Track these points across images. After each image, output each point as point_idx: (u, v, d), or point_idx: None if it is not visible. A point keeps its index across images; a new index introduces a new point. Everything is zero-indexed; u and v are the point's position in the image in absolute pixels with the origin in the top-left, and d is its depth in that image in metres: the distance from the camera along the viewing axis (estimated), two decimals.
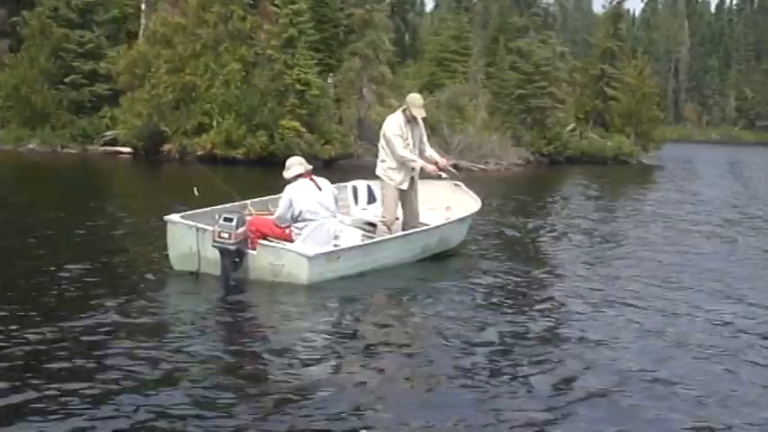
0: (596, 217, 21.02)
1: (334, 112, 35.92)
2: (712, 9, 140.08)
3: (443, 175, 13.30)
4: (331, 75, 36.96)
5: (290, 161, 11.33)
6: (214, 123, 32.38)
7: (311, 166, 11.39)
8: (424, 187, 13.28)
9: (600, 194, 29.47)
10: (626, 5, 61.95)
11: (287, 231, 10.81)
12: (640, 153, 52.16)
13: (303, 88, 33.07)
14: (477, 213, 13.86)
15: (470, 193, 14.16)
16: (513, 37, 48.53)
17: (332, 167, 30.40)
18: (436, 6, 70.12)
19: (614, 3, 56.01)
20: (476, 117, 42.17)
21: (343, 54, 38.02)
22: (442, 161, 13.10)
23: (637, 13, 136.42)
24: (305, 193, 10.91)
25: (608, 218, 20.90)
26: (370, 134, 35.58)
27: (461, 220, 13.33)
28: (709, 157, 66.72)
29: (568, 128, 49.28)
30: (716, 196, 27.91)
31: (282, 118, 32.70)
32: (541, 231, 17.38)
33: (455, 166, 13.37)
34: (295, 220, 10.83)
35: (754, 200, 27.48)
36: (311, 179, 11.10)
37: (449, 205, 14.07)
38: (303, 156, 30.64)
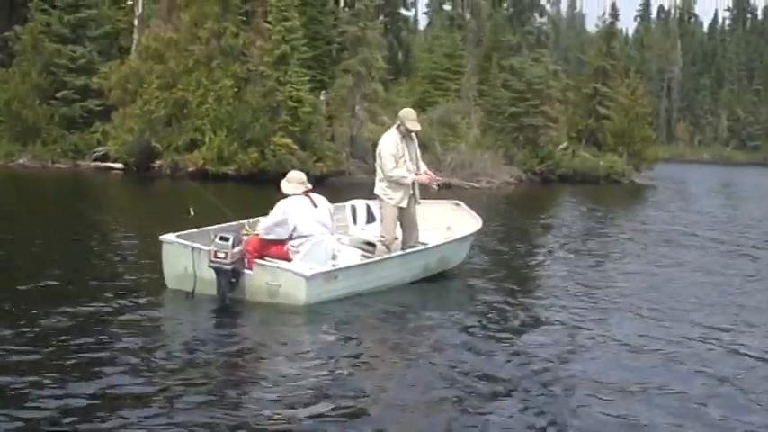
0: (589, 237, 20.92)
1: (327, 129, 35.92)
2: (705, 29, 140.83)
3: (434, 186, 13.25)
4: (323, 92, 36.97)
5: (291, 175, 11.21)
6: (206, 139, 32.34)
7: (310, 186, 11.22)
8: (424, 207, 13.12)
9: (592, 214, 29.37)
10: (619, 25, 61.99)
11: (284, 249, 10.65)
12: (632, 172, 52.20)
13: (295, 105, 33.06)
14: (479, 233, 13.67)
15: (471, 212, 13.97)
16: (505, 55, 48.54)
17: (324, 185, 30.22)
18: (429, 24, 70.09)
19: (607, 22, 56.38)
20: (468, 135, 42.20)
21: (335, 71, 38.07)
22: (435, 178, 13.04)
23: (630, 33, 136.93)
24: (300, 209, 10.77)
25: (601, 238, 20.77)
26: (362, 151, 35.65)
27: (462, 239, 13.13)
28: (702, 177, 66.85)
29: (561, 146, 49.27)
30: (708, 218, 27.82)
31: (274, 135, 32.69)
32: (536, 251, 17.30)
33: (447, 184, 13.23)
34: (290, 237, 10.67)
35: (746, 222, 27.38)
36: (307, 195, 10.95)
37: (449, 225, 13.84)
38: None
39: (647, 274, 14.30)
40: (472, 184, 37.41)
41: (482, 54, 50.34)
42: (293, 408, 6.69)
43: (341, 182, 32.59)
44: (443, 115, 40.53)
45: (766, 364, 8.77)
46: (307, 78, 34.47)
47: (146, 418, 6.21)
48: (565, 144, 49.98)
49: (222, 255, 9.71)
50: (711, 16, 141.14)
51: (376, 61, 37.80)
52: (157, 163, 32.72)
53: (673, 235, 21.30)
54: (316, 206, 10.90)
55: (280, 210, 10.70)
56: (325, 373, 7.76)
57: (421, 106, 39.97)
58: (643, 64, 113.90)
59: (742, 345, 9.51)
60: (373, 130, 35.89)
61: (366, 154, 35.38)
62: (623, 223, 25.55)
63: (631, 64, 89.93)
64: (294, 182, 11.00)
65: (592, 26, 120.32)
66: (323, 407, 6.74)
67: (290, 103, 32.96)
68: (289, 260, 10.48)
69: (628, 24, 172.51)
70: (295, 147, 33.01)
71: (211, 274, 9.85)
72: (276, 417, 6.48)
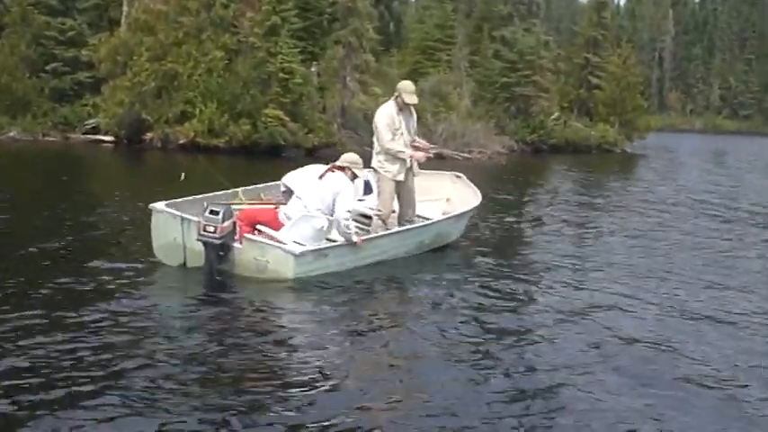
0: (582, 207, 20.98)
1: (318, 100, 35.77)
2: None
3: (430, 154, 13.10)
4: (314, 63, 36.79)
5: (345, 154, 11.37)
6: (196, 111, 32.20)
7: (347, 165, 11.03)
8: (424, 177, 13.06)
9: (585, 184, 29.42)
10: None
11: (275, 215, 10.60)
12: (624, 142, 52.28)
13: (286, 76, 32.91)
14: (477, 208, 13.55)
15: (471, 185, 13.87)
16: (497, 25, 48.40)
17: (315, 156, 30.27)
18: None
19: None
20: (460, 105, 42.09)
21: (326, 42, 37.86)
22: (426, 145, 12.91)
23: (621, 3, 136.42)
24: (305, 172, 10.92)
25: (595, 208, 20.81)
26: (353, 123, 35.58)
27: (459, 215, 12.97)
28: (694, 145, 66.93)
29: (552, 116, 49.20)
30: (700, 187, 27.88)
31: (265, 106, 32.57)
32: (532, 223, 17.23)
33: (438, 155, 13.07)
34: (285, 193, 10.81)
35: (739, 190, 27.47)
36: (333, 170, 10.91)
37: (449, 197, 13.82)
38: (287, 144, 30.63)
39: (647, 246, 14.26)
40: (464, 154, 37.38)
41: (473, 25, 50.14)
42: (278, 384, 6.65)
43: (332, 153, 32.35)
44: (435, 86, 40.43)
45: None
46: (297, 50, 34.32)
47: (125, 396, 6.15)
48: (556, 114, 49.92)
49: (211, 229, 9.53)
50: None
51: (367, 32, 37.62)
52: (148, 135, 32.58)
53: (665, 204, 21.36)
54: (320, 178, 10.77)
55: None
56: (305, 346, 7.77)
57: (412, 77, 39.62)
58: (635, 34, 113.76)
59: (740, 313, 9.60)
60: (365, 102, 35.88)
61: (357, 125, 35.30)
62: (618, 193, 25.55)
63: (623, 34, 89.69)
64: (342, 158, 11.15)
65: None
66: (308, 384, 6.71)
67: (281, 74, 32.79)
68: (278, 227, 10.40)
69: None
70: (286, 118, 32.91)
71: (201, 247, 9.71)
72: (262, 391, 6.45)
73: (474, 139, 39.71)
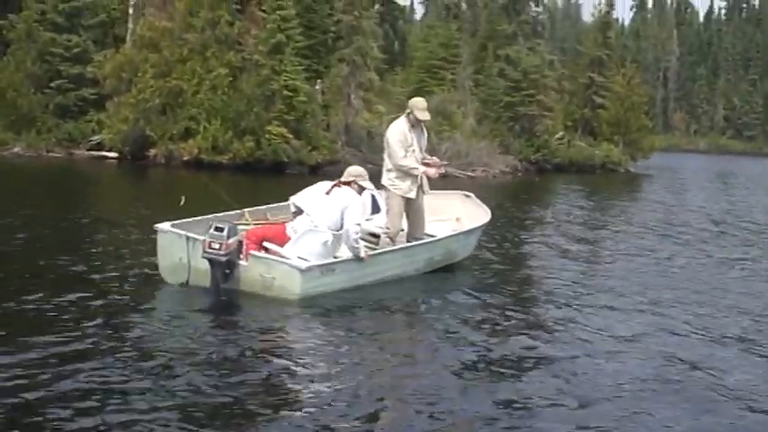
0: (588, 228, 20.78)
1: (322, 118, 35.81)
2: (701, 19, 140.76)
3: (442, 170, 12.84)
4: (319, 81, 36.85)
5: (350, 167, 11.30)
6: (200, 128, 32.27)
7: (352, 179, 10.91)
8: (434, 197, 12.89)
9: (589, 204, 29.30)
10: (615, 14, 61.99)
11: (284, 232, 10.48)
12: (628, 162, 52.26)
13: (290, 94, 32.98)
14: (487, 226, 13.38)
15: (481, 204, 13.70)
16: (501, 44, 48.49)
17: (318, 173, 30.28)
18: (425, 14, 70.04)
19: (603, 12, 56.18)
20: (464, 124, 42.16)
21: (330, 60, 37.94)
22: (437, 162, 12.68)
23: (626, 23, 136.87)
24: (313, 189, 10.78)
25: (597, 229, 20.67)
26: (357, 140, 35.62)
27: (468, 232, 12.79)
28: (698, 166, 66.85)
29: (556, 136, 49.22)
30: (705, 208, 27.78)
31: (269, 123, 32.63)
32: (536, 243, 17.09)
33: (443, 174, 12.89)
34: (295, 213, 10.66)
35: (743, 212, 27.41)
36: (339, 185, 10.81)
37: (459, 216, 13.63)
38: (290, 162, 30.65)
39: (653, 270, 13.99)
40: (468, 173, 37.39)
41: (478, 43, 50.27)
42: (281, 401, 6.60)
43: (336, 170, 32.21)
44: (439, 105, 40.41)
45: None
46: (302, 67, 34.41)
47: (129, 412, 6.08)
48: (561, 133, 49.94)
49: (217, 246, 9.40)
50: (707, 6, 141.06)
51: (371, 50, 37.73)
52: (152, 152, 32.67)
53: (670, 226, 21.29)
54: (327, 194, 10.66)
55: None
56: (312, 365, 7.65)
57: (417, 96, 39.72)
58: (639, 53, 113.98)
59: (740, 335, 9.53)
60: (368, 119, 35.96)
61: (361, 143, 35.38)
62: (624, 214, 25.32)
63: (627, 54, 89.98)
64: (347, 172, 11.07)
65: (588, 16, 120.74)
66: (307, 398, 6.69)
67: (286, 92, 32.88)
68: (286, 243, 10.29)
69: (624, 14, 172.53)
70: (290, 136, 32.98)
71: (206, 265, 9.58)
72: (264, 412, 6.37)
73: (478, 158, 39.76)
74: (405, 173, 11.88)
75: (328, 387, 6.98)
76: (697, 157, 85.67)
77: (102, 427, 5.83)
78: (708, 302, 11.21)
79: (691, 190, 38.77)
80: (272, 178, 30.19)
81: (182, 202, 12.08)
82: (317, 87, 36.49)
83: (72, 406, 6.13)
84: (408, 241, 12.03)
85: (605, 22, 56.08)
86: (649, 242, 17.73)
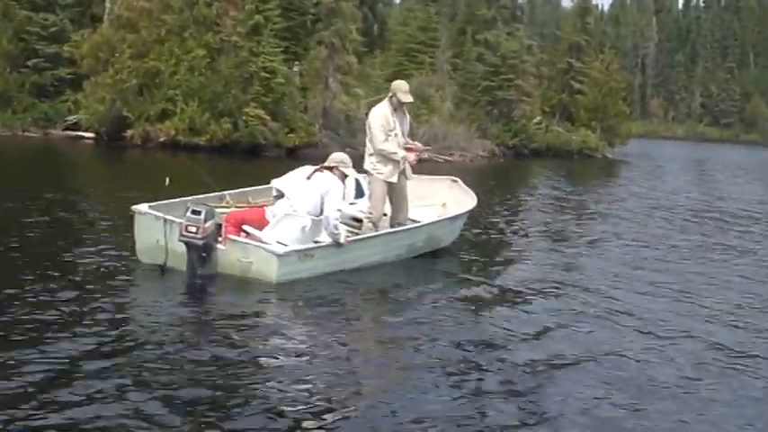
0: (563, 212, 20.91)
1: (300, 100, 35.72)
2: (680, 6, 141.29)
3: (424, 155, 12.76)
4: (297, 63, 36.73)
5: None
6: (178, 110, 32.13)
7: (335, 164, 10.82)
8: (420, 183, 12.87)
9: (568, 189, 29.32)
10: (594, 0, 62.08)
11: (263, 215, 10.41)
12: (606, 148, 52.48)
13: (268, 76, 32.88)
14: (471, 212, 13.27)
15: (468, 190, 13.60)
16: (480, 29, 48.51)
17: (295, 156, 30.27)
18: None
19: None
20: (442, 108, 42.13)
21: (309, 43, 37.78)
22: (420, 147, 12.54)
23: (605, 9, 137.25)
24: (295, 174, 10.71)
25: (577, 213, 20.75)
26: (334, 123, 35.57)
27: (452, 218, 12.66)
28: (675, 153, 67.14)
29: (534, 121, 49.35)
30: (681, 195, 27.97)
31: (247, 105, 32.52)
32: (518, 228, 17.09)
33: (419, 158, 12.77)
34: (275, 198, 10.60)
35: (718, 198, 27.63)
36: (321, 170, 10.72)
37: (445, 202, 13.55)
38: (267, 144, 30.60)
39: (644, 255, 14.16)
40: (445, 157, 37.41)
41: (457, 28, 50.26)
42: (250, 389, 6.49)
43: (313, 153, 32.36)
44: (417, 88, 40.34)
45: None
46: (280, 49, 34.27)
47: (101, 400, 5.96)
48: (538, 118, 50.09)
49: (193, 229, 9.30)
50: None
51: (350, 33, 37.59)
52: (129, 132, 32.47)
53: (646, 211, 21.43)
54: (308, 179, 10.58)
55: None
56: (286, 350, 7.55)
57: (395, 79, 39.62)
58: (618, 40, 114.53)
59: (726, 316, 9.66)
60: (346, 103, 35.89)
61: (339, 126, 35.33)
62: (604, 199, 25.43)
63: (606, 40, 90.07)
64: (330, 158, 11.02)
65: (567, 2, 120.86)
66: (281, 382, 6.63)
67: (263, 74, 32.76)
68: (265, 227, 10.23)
69: (603, 0, 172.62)
70: (267, 118, 32.88)
71: (183, 248, 9.49)
72: (243, 401, 6.26)
73: (455, 142, 39.80)
74: (386, 157, 11.79)
75: (299, 375, 6.88)
76: (674, 145, 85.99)
77: (65, 411, 5.76)
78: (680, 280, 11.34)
79: (665, 177, 38.93)
80: (249, 160, 30.12)
81: (166, 183, 12.01)
82: (296, 69, 36.35)
83: (36, 392, 6.03)
84: (391, 226, 11.91)
85: (584, 7, 56.29)
86: (633, 226, 17.94)
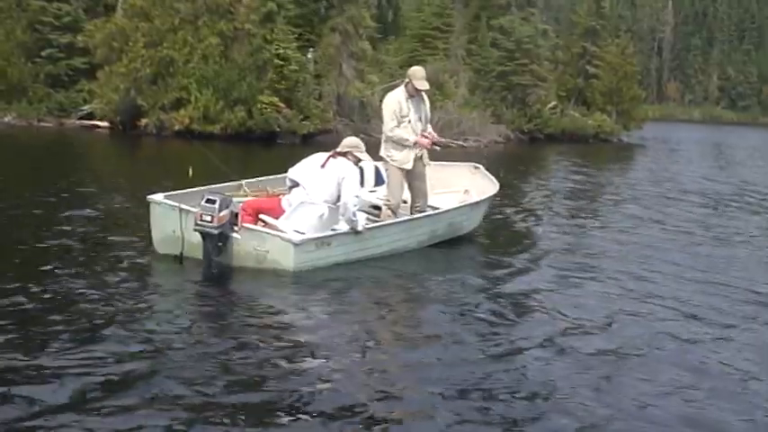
0: (586, 197, 20.87)
1: (314, 87, 35.66)
2: None
3: (438, 148, 12.41)
4: (311, 50, 36.66)
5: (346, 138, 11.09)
6: (192, 98, 32.10)
7: (348, 149, 10.68)
8: (442, 169, 12.79)
9: (583, 173, 29.24)
10: None
11: (279, 204, 10.34)
12: (621, 131, 52.30)
13: (282, 63, 32.83)
14: (494, 198, 13.18)
15: (490, 176, 13.48)
16: (495, 14, 48.30)
17: (310, 143, 30.20)
18: None
19: None
20: (456, 94, 42.02)
21: (323, 29, 37.68)
22: (436, 137, 12.33)
23: None
24: (308, 162, 10.59)
25: (594, 199, 20.72)
26: (349, 110, 35.52)
27: (474, 204, 12.53)
28: (691, 136, 66.78)
29: (549, 105, 49.18)
30: (697, 179, 27.82)
31: (261, 93, 32.48)
32: (535, 213, 16.96)
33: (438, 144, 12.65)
34: (290, 188, 10.51)
35: (735, 182, 27.47)
36: (335, 156, 10.59)
37: (467, 188, 13.36)
38: (282, 131, 30.53)
39: (655, 240, 14.03)
40: (459, 142, 37.25)
41: (471, 13, 50.04)
42: (273, 379, 6.43)
43: (328, 140, 32.33)
44: (431, 74, 40.21)
45: None
46: (294, 36, 34.23)
47: (124, 391, 5.93)
48: (553, 103, 49.91)
49: (208, 218, 9.27)
50: None
51: (364, 19, 37.51)
52: (143, 121, 32.49)
53: (665, 195, 21.31)
54: (322, 167, 10.46)
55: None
56: (301, 341, 7.45)
57: (409, 65, 39.62)
58: (634, 23, 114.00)
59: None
60: (361, 89, 35.82)
61: (353, 112, 35.29)
62: (622, 183, 25.30)
63: (622, 23, 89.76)
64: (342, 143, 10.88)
65: None
66: (298, 375, 6.55)
67: (277, 61, 32.73)
68: (281, 216, 10.16)
69: None
70: (282, 105, 32.87)
71: (199, 238, 9.45)
72: (258, 391, 6.21)
73: (470, 128, 39.66)
74: (398, 143, 11.68)
75: (319, 365, 6.83)
76: (691, 128, 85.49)
77: (83, 403, 5.74)
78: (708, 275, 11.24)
79: (685, 161, 38.73)
80: (264, 148, 30.10)
81: (190, 174, 11.96)
82: (309, 56, 36.28)
83: (53, 381, 6.02)
84: (411, 213, 11.78)
85: None
86: (658, 209, 17.94)
